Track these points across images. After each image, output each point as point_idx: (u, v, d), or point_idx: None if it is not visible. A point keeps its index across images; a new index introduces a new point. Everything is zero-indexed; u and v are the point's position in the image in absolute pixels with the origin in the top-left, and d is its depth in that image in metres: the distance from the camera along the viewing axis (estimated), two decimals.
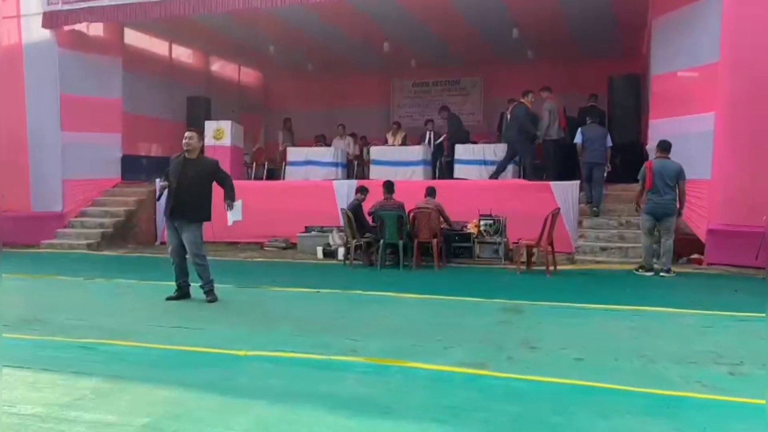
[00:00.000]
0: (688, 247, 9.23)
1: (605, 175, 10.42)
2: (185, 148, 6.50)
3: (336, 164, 12.94)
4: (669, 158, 8.35)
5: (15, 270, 8.52)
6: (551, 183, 10.56)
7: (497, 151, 11.95)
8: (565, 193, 10.32)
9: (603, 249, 9.60)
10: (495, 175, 11.40)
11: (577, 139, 10.50)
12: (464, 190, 10.84)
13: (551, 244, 8.64)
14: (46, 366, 4.13)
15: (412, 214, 9.31)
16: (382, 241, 9.21)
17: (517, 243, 9.07)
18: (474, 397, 3.58)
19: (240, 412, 3.31)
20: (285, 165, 13.50)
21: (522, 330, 5.30)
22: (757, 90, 8.39)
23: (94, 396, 3.56)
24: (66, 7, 11.81)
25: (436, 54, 15.13)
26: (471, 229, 9.85)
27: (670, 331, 5.26)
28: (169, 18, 11.99)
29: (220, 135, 12.73)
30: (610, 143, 10.40)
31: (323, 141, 14.20)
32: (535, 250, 9.01)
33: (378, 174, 12.17)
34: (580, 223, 10.25)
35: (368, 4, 11.83)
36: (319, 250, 10.63)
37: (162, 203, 6.66)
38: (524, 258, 8.94)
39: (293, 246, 11.29)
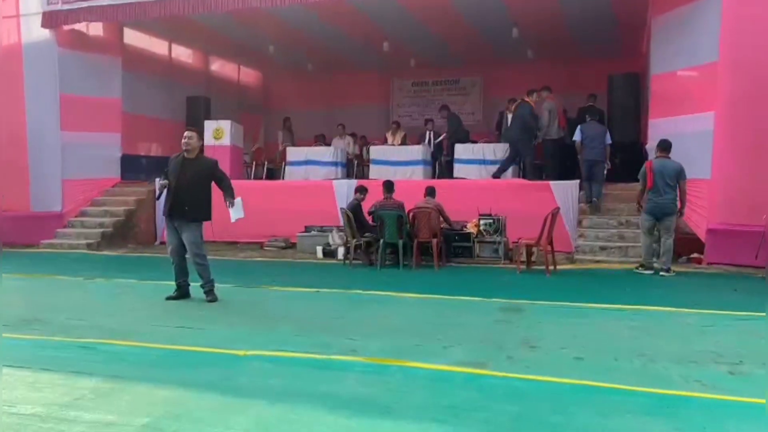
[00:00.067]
0: (687, 246, 9.23)
1: (605, 173, 10.43)
2: (184, 148, 6.49)
3: (336, 164, 12.94)
4: (669, 158, 8.35)
5: (15, 270, 8.52)
6: (551, 182, 10.56)
7: (497, 150, 11.95)
8: (565, 192, 10.32)
9: (603, 248, 9.61)
10: (497, 174, 11.40)
11: (576, 136, 10.52)
12: (464, 190, 10.84)
13: (551, 243, 8.64)
14: (45, 366, 4.13)
15: (411, 214, 9.31)
16: (381, 241, 9.21)
17: (517, 242, 9.07)
18: (474, 396, 3.58)
19: (240, 412, 3.31)
20: (285, 165, 13.51)
21: (522, 329, 5.30)
22: (757, 89, 8.39)
23: (94, 396, 3.56)
24: (65, 6, 11.81)
25: (435, 53, 15.13)
26: (471, 228, 9.85)
27: (670, 331, 5.26)
28: (169, 17, 12.01)
29: (219, 135, 12.73)
30: (609, 141, 10.42)
31: (323, 141, 14.21)
32: (534, 249, 9.01)
33: (378, 173, 12.18)
34: (579, 223, 10.25)
35: (368, 4, 11.82)
36: (319, 249, 10.63)
37: (162, 203, 6.66)
38: (524, 257, 8.94)
39: (293, 246, 11.29)
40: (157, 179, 6.96)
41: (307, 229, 11.30)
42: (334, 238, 10.68)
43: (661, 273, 8.23)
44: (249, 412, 3.30)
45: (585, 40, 13.53)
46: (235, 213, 6.54)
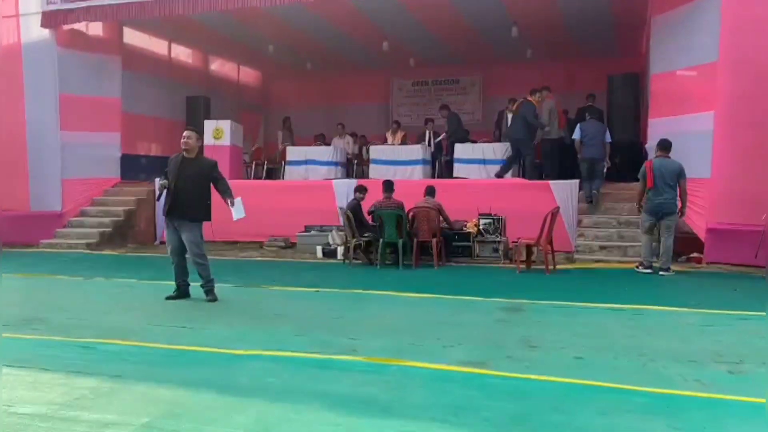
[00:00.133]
0: (687, 245, 9.23)
1: (605, 171, 10.46)
2: (183, 148, 6.49)
3: (335, 163, 12.95)
4: (669, 157, 8.36)
5: (15, 269, 8.53)
6: (551, 182, 10.57)
7: (496, 150, 11.95)
8: (565, 192, 10.33)
9: (602, 248, 9.61)
10: (501, 174, 11.37)
11: (576, 135, 10.53)
12: (464, 189, 10.84)
13: (551, 243, 8.65)
14: (45, 365, 4.13)
15: (411, 214, 9.32)
16: (381, 241, 9.22)
17: (517, 242, 9.07)
18: (474, 395, 3.58)
19: (240, 411, 3.30)
20: (284, 164, 13.51)
21: (521, 329, 5.30)
22: (757, 89, 8.39)
23: (94, 395, 3.56)
24: (65, 6, 11.81)
25: (435, 53, 15.13)
26: (470, 228, 9.85)
27: (669, 330, 5.26)
28: (168, 17, 11.99)
29: (219, 134, 12.73)
30: (609, 139, 10.44)
31: (323, 140, 14.20)
32: (534, 249, 9.01)
33: (377, 173, 12.18)
34: (579, 222, 10.26)
35: (368, 4, 11.83)
36: (319, 249, 10.63)
37: (162, 203, 6.65)
38: (524, 257, 8.94)
39: (293, 245, 11.29)
40: (157, 179, 6.96)
41: (307, 228, 11.30)
42: (334, 238, 10.68)
43: (661, 272, 8.23)
44: (249, 412, 3.30)
45: (584, 40, 13.53)
46: (237, 213, 6.53)
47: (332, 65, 16.38)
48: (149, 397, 3.56)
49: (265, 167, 14.55)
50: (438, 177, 12.47)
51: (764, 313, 5.10)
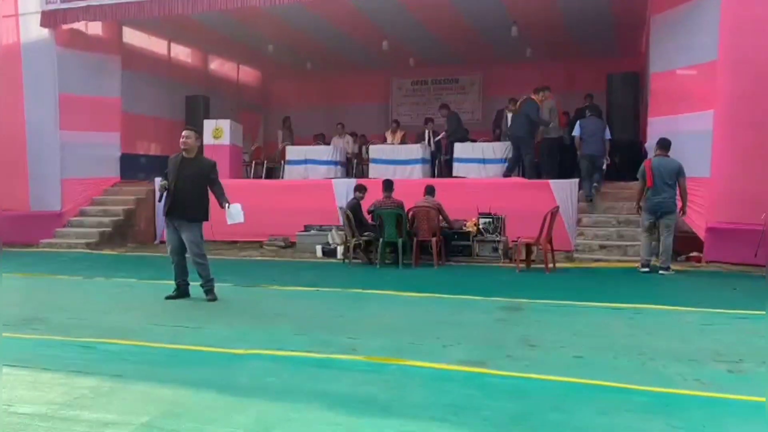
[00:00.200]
0: (686, 244, 9.24)
1: (604, 168, 10.48)
2: (182, 147, 6.49)
3: (335, 163, 12.94)
4: (668, 156, 8.36)
5: (14, 269, 8.53)
6: (550, 181, 10.57)
7: (496, 149, 11.94)
8: (564, 191, 10.33)
9: (602, 247, 9.61)
10: (508, 174, 11.31)
11: (576, 132, 10.54)
12: (463, 189, 10.84)
13: (550, 242, 8.66)
14: (45, 365, 4.13)
15: (411, 213, 9.32)
16: (381, 240, 9.22)
17: (516, 241, 9.08)
18: (473, 395, 3.58)
19: (240, 411, 3.31)
20: (284, 164, 13.51)
21: (521, 328, 5.30)
22: (756, 88, 8.39)
23: (94, 395, 3.56)
24: (64, 5, 11.81)
25: (435, 53, 15.13)
26: (470, 227, 9.85)
27: (669, 329, 5.26)
28: (167, 16, 11.99)
29: (218, 134, 12.73)
30: (608, 136, 10.45)
31: (322, 140, 14.20)
32: (534, 248, 9.02)
33: (377, 172, 12.18)
34: (579, 221, 10.26)
35: (368, 4, 11.82)
36: (319, 248, 10.63)
37: (163, 203, 6.65)
38: (523, 256, 8.94)
39: (292, 245, 11.29)
40: (157, 179, 6.96)
41: (307, 228, 11.30)
42: (334, 237, 10.68)
43: (661, 271, 8.23)
44: (249, 411, 3.30)
45: (584, 39, 13.52)
46: (233, 217, 6.46)
47: (332, 65, 16.37)
48: (149, 396, 3.56)
49: (264, 166, 14.55)
50: (437, 176, 12.46)
51: (764, 312, 5.10)
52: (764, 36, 8.38)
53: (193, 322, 5.51)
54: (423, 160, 12.33)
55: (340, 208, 10.39)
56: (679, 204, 8.33)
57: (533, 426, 3.13)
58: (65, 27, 12.21)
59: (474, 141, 12.82)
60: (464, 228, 9.86)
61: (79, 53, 12.49)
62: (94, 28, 12.83)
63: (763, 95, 8.32)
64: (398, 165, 12.23)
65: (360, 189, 10.03)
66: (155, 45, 14.62)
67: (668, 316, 5.80)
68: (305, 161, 12.99)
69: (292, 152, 13.36)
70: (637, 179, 8.65)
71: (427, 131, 13.31)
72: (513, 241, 9.51)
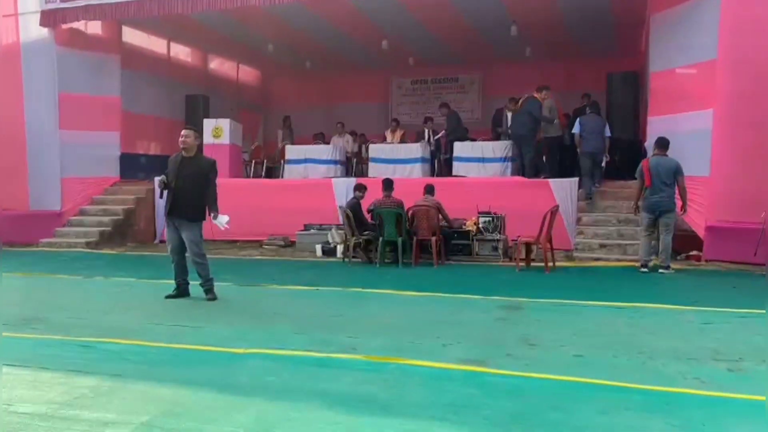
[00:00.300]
0: (686, 243, 9.24)
1: (604, 165, 10.50)
2: (182, 147, 6.49)
3: (335, 162, 12.94)
4: (666, 155, 8.36)
5: (14, 269, 8.53)
6: (550, 180, 10.57)
7: (495, 148, 11.94)
8: (564, 190, 10.34)
9: (602, 246, 9.61)
10: (530, 175, 11.07)
11: (576, 129, 10.54)
12: (463, 188, 10.84)
13: (550, 241, 8.66)
14: (45, 364, 4.13)
15: (411, 212, 9.32)
16: (381, 239, 9.22)
17: (516, 240, 9.08)
18: (473, 394, 3.58)
19: (240, 410, 3.31)
20: (284, 163, 13.50)
21: (521, 327, 5.31)
22: (756, 87, 8.40)
23: (94, 394, 3.56)
24: (64, 5, 11.81)
25: (434, 52, 15.13)
26: (470, 226, 9.85)
27: (668, 328, 5.27)
28: (167, 16, 11.99)
29: (218, 133, 12.72)
30: (608, 133, 10.47)
31: (322, 139, 14.20)
32: (533, 247, 9.02)
33: (377, 172, 12.18)
34: (578, 220, 10.26)
35: (368, 4, 11.82)
36: (318, 248, 10.63)
37: (163, 201, 6.65)
38: (523, 255, 8.94)
39: (292, 244, 11.29)
40: (157, 179, 6.96)
41: (307, 227, 11.30)
42: (334, 237, 10.68)
43: (660, 270, 8.23)
44: (249, 410, 3.31)
45: (584, 39, 13.52)
46: (219, 226, 6.48)
47: (332, 64, 16.37)
48: (149, 395, 3.56)
49: (264, 166, 14.55)
50: (437, 175, 12.45)
51: (763, 311, 5.10)
52: (764, 36, 8.38)
53: (192, 322, 5.51)
54: (423, 159, 12.33)
55: (340, 207, 10.39)
56: (679, 203, 8.33)
57: (533, 425, 3.13)
58: (65, 26, 12.22)
59: (473, 140, 12.81)
60: (464, 227, 9.86)
61: (78, 52, 12.49)
62: (94, 28, 12.83)
63: (762, 95, 8.32)
64: (398, 164, 12.23)
65: (360, 188, 10.03)
66: (155, 44, 14.62)
67: (668, 315, 5.80)
68: (305, 160, 12.99)
69: (292, 151, 13.35)
70: (635, 178, 8.65)
71: (426, 130, 13.31)
72: (513, 240, 9.51)
